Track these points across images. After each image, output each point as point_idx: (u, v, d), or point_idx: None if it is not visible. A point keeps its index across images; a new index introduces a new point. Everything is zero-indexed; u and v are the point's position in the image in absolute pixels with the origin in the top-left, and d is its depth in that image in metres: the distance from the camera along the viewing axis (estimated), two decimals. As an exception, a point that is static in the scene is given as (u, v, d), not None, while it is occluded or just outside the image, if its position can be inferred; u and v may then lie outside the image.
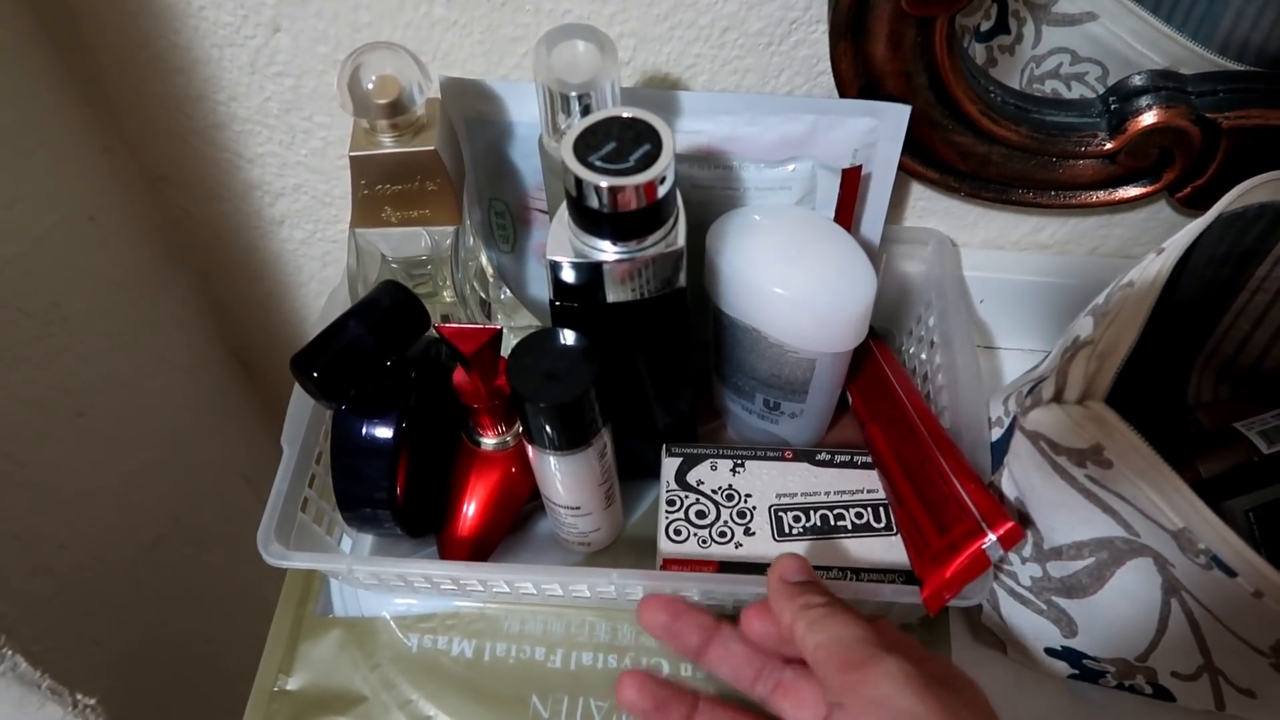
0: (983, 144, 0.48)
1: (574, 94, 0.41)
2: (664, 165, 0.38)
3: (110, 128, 0.56)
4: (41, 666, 0.52)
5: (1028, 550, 0.44)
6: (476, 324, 0.53)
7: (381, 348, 0.45)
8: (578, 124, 0.39)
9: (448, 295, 0.53)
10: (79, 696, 0.54)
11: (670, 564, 0.47)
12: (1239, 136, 0.47)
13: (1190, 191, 0.50)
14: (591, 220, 0.40)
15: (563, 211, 0.42)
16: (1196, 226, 0.41)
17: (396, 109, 0.43)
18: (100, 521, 0.60)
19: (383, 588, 0.50)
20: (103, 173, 0.57)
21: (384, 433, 0.46)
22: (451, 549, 0.51)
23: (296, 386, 0.48)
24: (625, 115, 0.39)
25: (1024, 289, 0.58)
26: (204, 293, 0.68)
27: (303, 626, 0.52)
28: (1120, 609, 0.42)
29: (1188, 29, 0.48)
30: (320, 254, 0.65)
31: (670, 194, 0.40)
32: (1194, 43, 0.48)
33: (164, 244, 0.63)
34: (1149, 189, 0.50)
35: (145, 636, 0.65)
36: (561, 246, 0.41)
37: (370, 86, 0.42)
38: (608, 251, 0.41)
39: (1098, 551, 0.41)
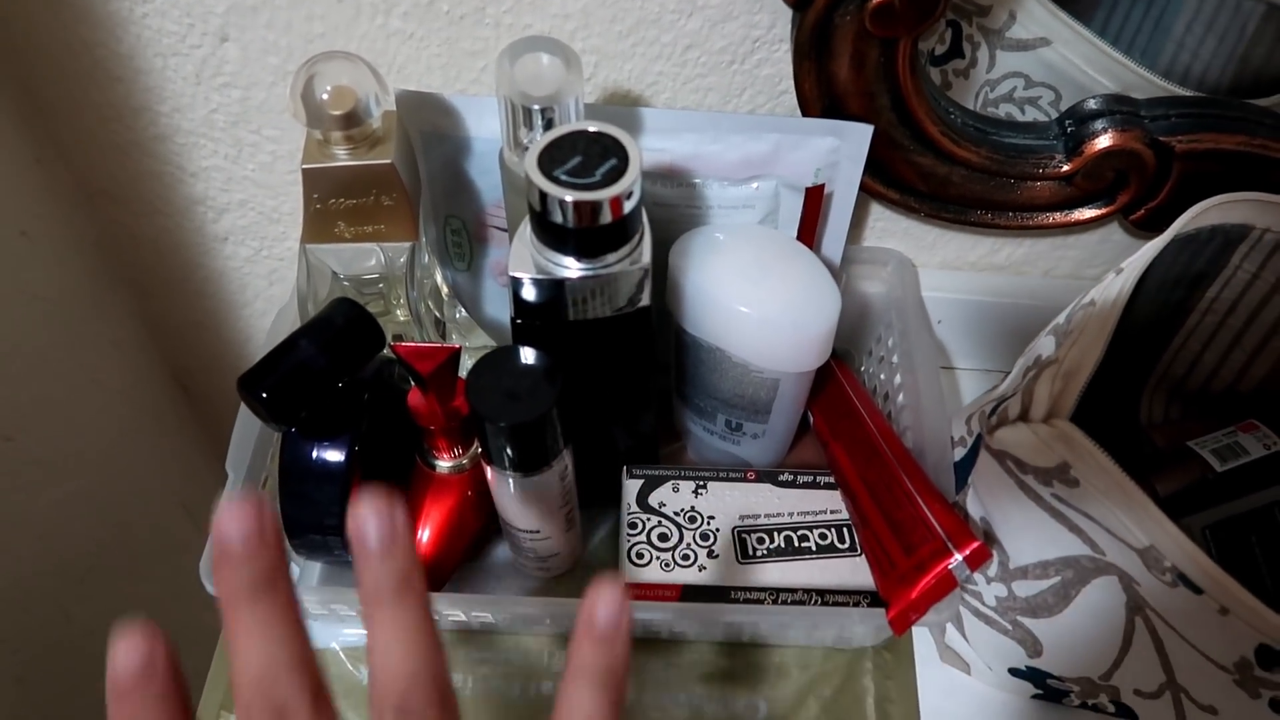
0: (943, 165, 0.49)
1: (537, 107, 0.40)
2: (631, 180, 0.37)
3: (44, 138, 0.54)
4: (-39, 708, 0.49)
5: (993, 570, 0.44)
6: (433, 343, 0.51)
7: (334, 368, 0.43)
8: (542, 137, 0.38)
9: (401, 314, 0.51)
10: (1, 740, 0.51)
11: (633, 589, 0.46)
12: (1191, 160, 0.47)
13: (1144, 214, 0.50)
14: (555, 236, 0.39)
15: (525, 227, 0.41)
16: (1155, 246, 0.42)
17: (352, 121, 0.41)
18: (26, 552, 0.57)
19: (333, 618, 0.48)
20: (35, 185, 0.54)
21: (335, 456, 0.44)
22: (405, 577, 0.49)
23: (242, 408, 0.46)
24: (591, 129, 0.38)
25: (980, 309, 0.58)
26: (142, 312, 0.66)
27: (246, 660, 0.49)
28: (1085, 628, 0.42)
29: (1134, 56, 0.49)
30: (266, 272, 0.63)
31: (636, 210, 0.39)
32: (1143, 68, 0.49)
33: (100, 260, 0.61)
34: (1104, 211, 0.50)
35: (74, 674, 0.61)
36: (524, 263, 0.40)
37: (325, 97, 0.41)
38: (571, 268, 0.40)
39: (1063, 570, 0.41)
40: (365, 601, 0.25)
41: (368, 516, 0.25)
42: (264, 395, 0.41)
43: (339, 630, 0.50)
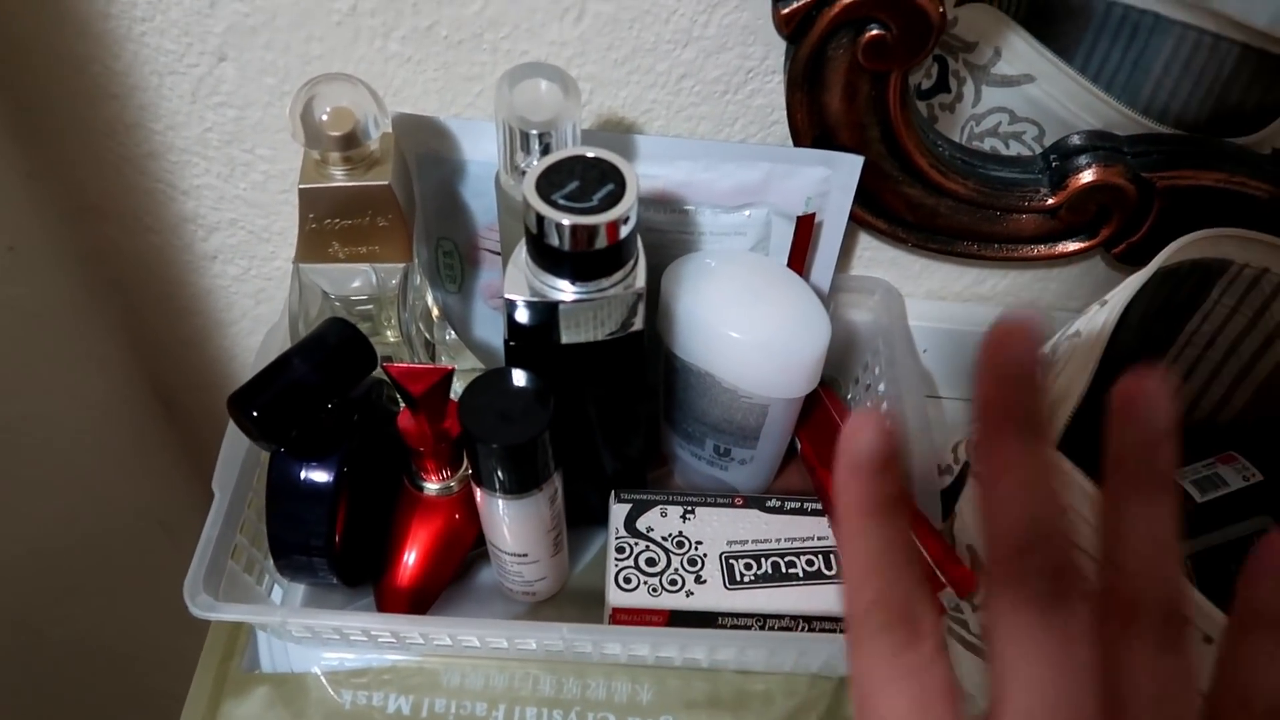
0: (931, 196, 0.50)
1: (535, 132, 0.41)
2: (628, 205, 0.38)
3: (35, 153, 0.54)
4: (-69, 732, 0.48)
5: (979, 598, 0.44)
6: (424, 364, 0.52)
7: (325, 388, 0.43)
8: (540, 161, 0.39)
9: (391, 335, 0.51)
10: (-29, 764, 0.50)
11: (620, 614, 0.46)
12: (1172, 196, 0.49)
13: (1125, 248, 0.51)
14: (551, 259, 0.39)
15: (520, 250, 0.41)
16: (1138, 279, 0.43)
17: (350, 142, 0.42)
18: (2, 572, 0.56)
19: (316, 641, 0.48)
20: (25, 200, 0.54)
21: (323, 477, 0.44)
22: (390, 599, 0.49)
23: (230, 426, 0.46)
24: (589, 155, 0.39)
25: (965, 339, 0.59)
26: (128, 328, 0.65)
27: (226, 683, 0.49)
28: (1070, 656, 0.42)
29: (1114, 93, 0.50)
30: (254, 291, 0.63)
31: (632, 235, 0.39)
32: (1124, 106, 0.51)
33: (87, 276, 0.60)
34: (1087, 244, 0.51)
35: (49, 697, 0.60)
36: (518, 285, 0.41)
37: (324, 118, 0.41)
38: (566, 291, 0.40)
39: (1049, 598, 0.41)
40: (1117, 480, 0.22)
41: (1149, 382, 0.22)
42: (255, 414, 0.41)
43: (321, 654, 0.50)
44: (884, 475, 0.22)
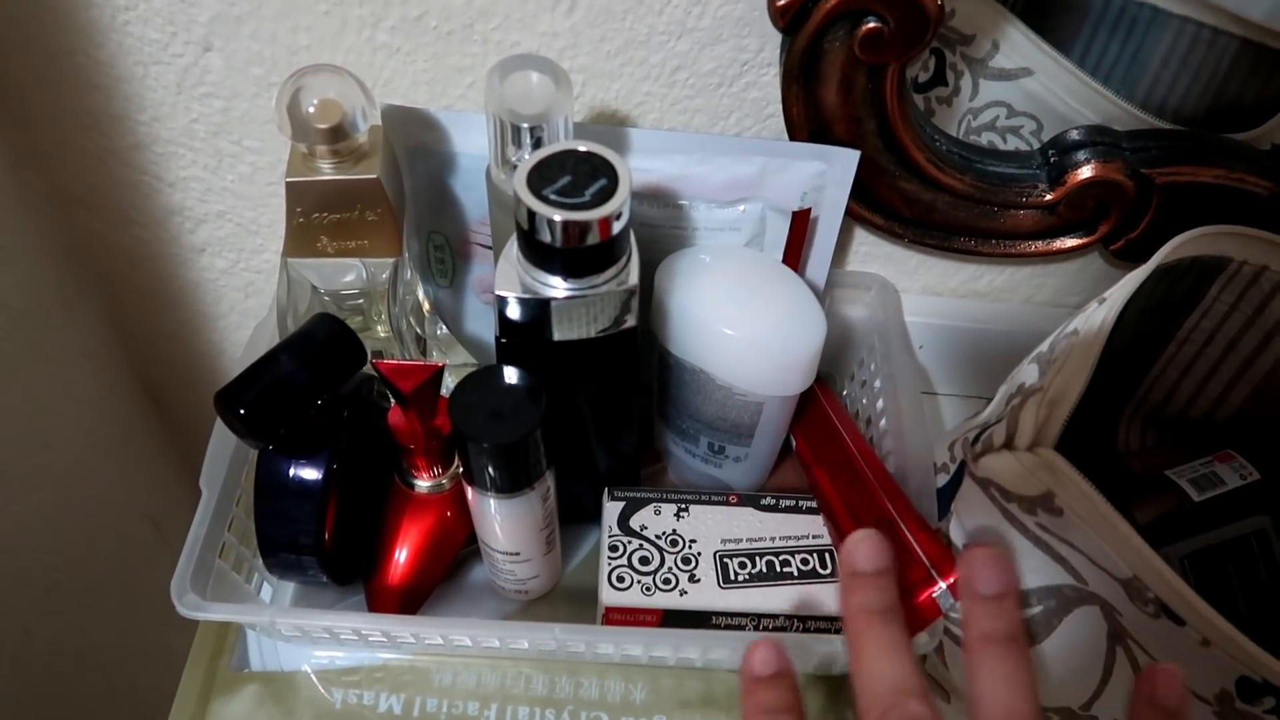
0: (928, 191, 0.49)
1: (526, 125, 0.40)
2: (620, 201, 0.37)
3: (19, 145, 0.53)
4: (-84, 730, 0.47)
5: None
6: (414, 360, 0.51)
7: (314, 384, 0.42)
8: (532, 156, 0.38)
9: (381, 330, 0.51)
10: (-43, 763, 0.49)
11: (613, 613, 0.46)
12: (1170, 192, 0.48)
13: (1123, 244, 0.51)
14: (543, 255, 0.38)
15: (511, 245, 0.40)
16: (1137, 276, 0.42)
17: (338, 135, 0.41)
18: (-12, 568, 0.55)
19: (305, 640, 0.47)
20: (8, 192, 0.53)
21: (313, 474, 0.43)
22: (381, 598, 0.48)
23: (218, 423, 0.45)
24: (581, 149, 0.38)
25: (961, 335, 0.58)
26: (114, 322, 0.64)
27: (215, 682, 0.48)
28: (1066, 657, 0.42)
29: (1112, 87, 0.50)
30: (243, 284, 0.62)
31: (625, 231, 0.39)
32: (1123, 100, 0.50)
33: (73, 269, 0.59)
34: (1085, 240, 0.51)
35: (36, 694, 0.59)
36: (509, 282, 0.40)
37: (311, 110, 0.40)
38: (558, 288, 0.39)
39: (1046, 600, 0.41)
40: (973, 643, 0.28)
41: (983, 566, 0.28)
42: (241, 412, 0.40)
43: (311, 652, 0.49)
44: (779, 682, 0.29)
